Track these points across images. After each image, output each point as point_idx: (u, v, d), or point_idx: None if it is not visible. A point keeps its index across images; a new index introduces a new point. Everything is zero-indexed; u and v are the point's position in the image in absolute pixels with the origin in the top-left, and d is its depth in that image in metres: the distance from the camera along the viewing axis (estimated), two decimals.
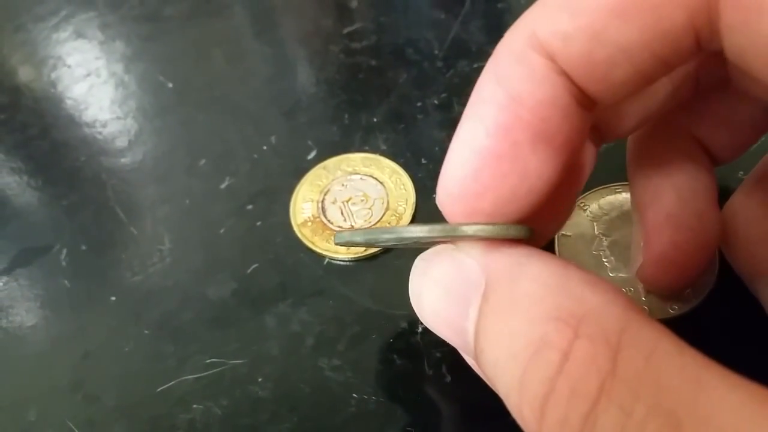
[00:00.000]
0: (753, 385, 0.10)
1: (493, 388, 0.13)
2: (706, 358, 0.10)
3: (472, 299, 0.13)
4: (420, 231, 0.13)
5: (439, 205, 0.14)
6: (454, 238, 0.14)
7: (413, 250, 0.23)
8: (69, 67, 0.35)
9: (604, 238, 0.22)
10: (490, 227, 0.13)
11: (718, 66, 0.16)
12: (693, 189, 0.18)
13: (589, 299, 0.11)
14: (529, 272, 0.12)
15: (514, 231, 0.13)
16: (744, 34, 0.11)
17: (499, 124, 0.13)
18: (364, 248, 0.23)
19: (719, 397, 0.09)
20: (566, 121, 0.13)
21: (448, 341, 0.14)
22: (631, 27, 0.12)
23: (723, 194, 0.20)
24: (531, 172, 0.13)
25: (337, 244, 0.15)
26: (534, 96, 0.13)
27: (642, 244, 0.18)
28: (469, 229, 0.13)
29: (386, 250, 0.24)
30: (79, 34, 0.37)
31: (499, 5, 0.35)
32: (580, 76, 0.13)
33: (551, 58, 0.13)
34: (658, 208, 0.18)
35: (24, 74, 0.35)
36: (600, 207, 0.23)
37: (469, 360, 0.15)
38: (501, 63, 0.13)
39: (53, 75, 0.34)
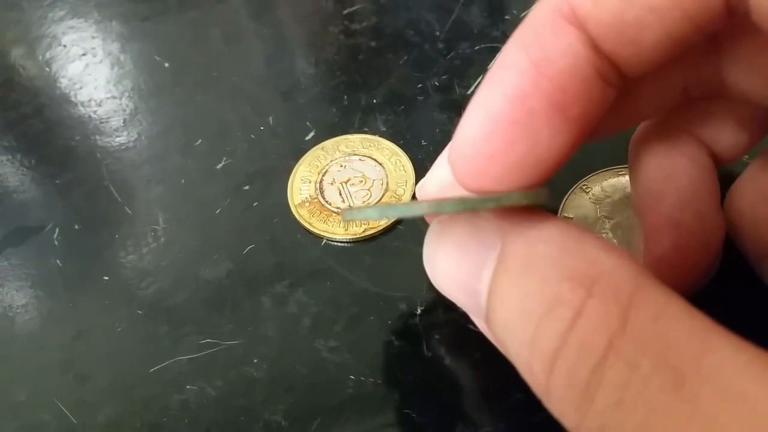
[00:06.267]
0: (758, 350, 0.10)
1: (502, 350, 0.13)
2: (713, 323, 0.10)
3: (486, 261, 0.13)
4: (428, 208, 0.13)
5: (449, 164, 0.14)
6: (461, 211, 0.14)
7: (413, 231, 0.23)
8: (64, 46, 0.35)
9: (606, 221, 0.22)
10: (517, 194, 0.13)
11: (710, 74, 0.17)
12: (694, 190, 0.18)
13: (603, 262, 0.11)
14: (545, 235, 0.12)
15: (539, 197, 0.13)
16: None
17: (517, 90, 0.13)
18: (363, 230, 0.24)
19: (724, 358, 0.10)
20: (585, 93, 0.13)
21: (458, 304, 0.15)
22: None
23: (728, 178, 0.20)
24: (542, 141, 0.13)
25: (346, 221, 0.14)
26: (556, 64, 0.13)
27: (642, 246, 0.18)
28: (469, 203, 0.13)
29: (384, 231, 0.24)
30: (74, 14, 0.37)
31: None
32: (610, 39, 0.13)
33: (581, 26, 0.13)
34: (659, 210, 0.18)
35: (18, 53, 0.35)
36: (603, 189, 0.23)
37: (479, 322, 0.16)
38: (528, 29, 0.14)
39: (48, 54, 0.34)
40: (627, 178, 0.23)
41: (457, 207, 0.13)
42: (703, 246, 0.18)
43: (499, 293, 0.13)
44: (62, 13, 0.37)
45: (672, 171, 0.18)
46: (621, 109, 0.17)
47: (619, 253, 0.12)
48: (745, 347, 0.10)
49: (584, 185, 0.23)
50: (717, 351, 0.10)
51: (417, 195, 0.18)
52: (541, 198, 0.13)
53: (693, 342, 0.10)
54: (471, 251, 0.14)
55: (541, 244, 0.12)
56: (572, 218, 0.22)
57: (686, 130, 0.19)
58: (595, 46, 0.13)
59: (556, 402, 0.11)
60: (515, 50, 0.13)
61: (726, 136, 0.19)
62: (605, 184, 0.23)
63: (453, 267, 0.14)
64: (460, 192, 0.15)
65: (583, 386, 0.11)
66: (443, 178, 0.17)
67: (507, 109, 0.13)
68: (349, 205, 0.24)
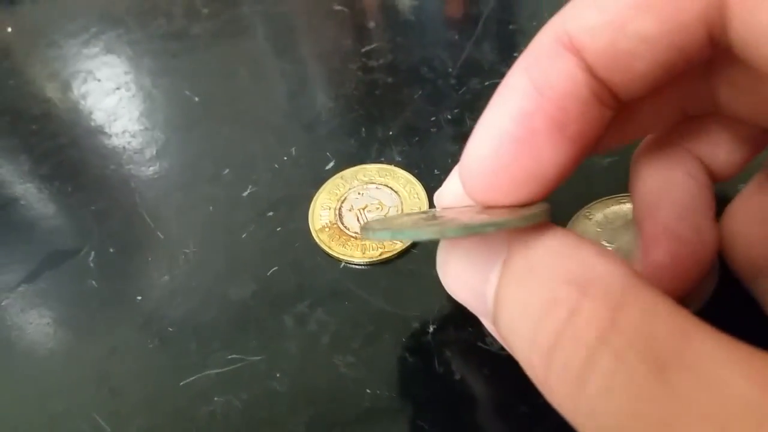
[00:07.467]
0: (736, 341, 0.10)
1: (507, 348, 0.14)
2: (697, 319, 0.11)
3: (493, 267, 0.14)
4: (434, 233, 0.14)
5: (461, 178, 0.15)
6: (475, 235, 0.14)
7: (425, 255, 0.24)
8: (99, 80, 0.36)
9: (608, 245, 0.22)
10: (515, 219, 0.13)
11: (704, 94, 0.17)
12: (691, 204, 0.18)
13: (597, 266, 0.12)
14: (545, 243, 0.13)
15: (539, 217, 0.14)
16: (746, 26, 0.12)
17: (521, 111, 0.14)
18: (379, 253, 0.24)
19: (704, 350, 0.10)
20: (583, 114, 0.14)
21: (468, 307, 0.15)
22: (652, 19, 0.13)
23: (722, 201, 0.20)
24: (545, 157, 0.14)
25: (363, 237, 0.15)
26: (556, 87, 0.14)
27: (640, 255, 0.19)
28: (491, 226, 0.13)
29: (399, 255, 0.24)
30: (108, 50, 0.38)
31: (510, 27, 0.36)
32: (605, 67, 0.14)
33: (578, 54, 0.14)
34: (656, 221, 0.18)
35: (55, 87, 0.36)
36: (605, 216, 0.23)
37: (487, 324, 0.16)
38: (530, 56, 0.14)
39: (83, 88, 0.35)
40: (628, 206, 0.23)
41: (458, 233, 0.13)
42: (697, 255, 0.18)
43: (504, 296, 0.13)
44: (96, 49, 0.38)
45: (670, 184, 0.18)
46: (623, 124, 0.17)
47: (612, 258, 0.12)
48: (724, 339, 0.10)
49: (587, 212, 0.23)
50: (697, 343, 0.10)
51: (435, 202, 0.19)
52: (538, 220, 0.13)
53: (675, 335, 0.10)
54: (480, 258, 0.14)
55: (542, 251, 0.13)
56: None
57: (684, 147, 0.19)
58: (591, 72, 0.14)
59: (555, 392, 0.12)
60: (518, 75, 0.14)
61: (721, 153, 0.19)
62: (608, 211, 0.23)
63: (463, 272, 0.15)
64: (470, 201, 0.15)
65: (577, 376, 0.11)
66: (457, 188, 0.17)
67: (512, 128, 0.14)
68: (367, 221, 0.25)
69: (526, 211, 0.14)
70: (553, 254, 0.13)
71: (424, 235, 0.14)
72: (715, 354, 0.10)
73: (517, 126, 0.14)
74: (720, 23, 0.12)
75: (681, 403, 0.10)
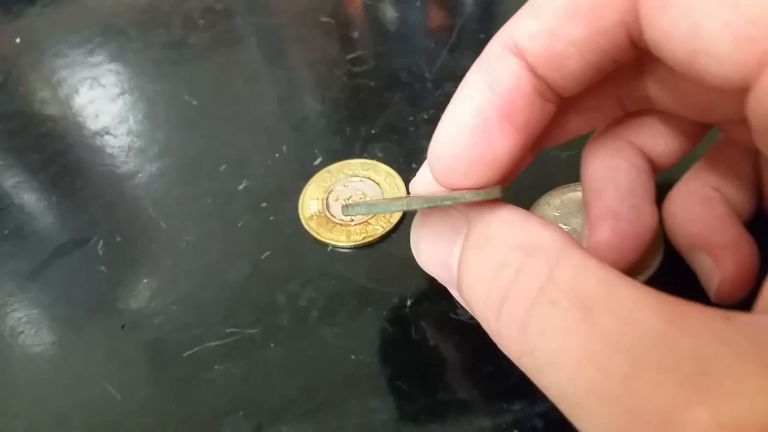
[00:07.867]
0: (654, 291, 0.12)
1: (468, 308, 0.15)
2: (620, 274, 0.12)
3: (456, 241, 0.15)
4: (402, 206, 0.16)
5: (428, 164, 0.16)
6: (437, 207, 0.16)
7: (403, 239, 0.26)
8: (104, 86, 0.37)
9: (564, 227, 0.24)
10: (469, 194, 0.15)
11: (638, 91, 0.18)
12: (631, 188, 0.20)
13: (540, 234, 0.14)
14: (499, 217, 0.15)
15: (491, 194, 0.15)
16: (653, 31, 0.13)
17: (476, 105, 0.15)
18: (363, 238, 0.26)
19: (625, 296, 0.11)
20: (528, 107, 0.16)
21: (437, 278, 0.17)
22: (579, 26, 0.14)
23: (666, 187, 0.22)
24: (496, 143, 0.15)
25: (345, 214, 0.16)
26: (504, 85, 0.15)
27: (587, 233, 0.21)
28: (446, 200, 0.15)
29: (380, 239, 0.26)
30: (112, 59, 0.39)
31: (481, 36, 0.38)
32: (544, 67, 0.15)
33: (521, 56, 0.15)
34: (600, 203, 0.20)
35: (64, 93, 0.37)
36: (562, 202, 0.25)
37: (453, 292, 0.17)
38: (483, 59, 0.16)
39: (90, 94, 0.37)
40: (581, 193, 0.25)
41: (422, 205, 0.15)
42: (636, 231, 0.19)
43: (465, 264, 0.15)
44: (101, 58, 0.40)
45: (613, 172, 0.20)
46: (570, 119, 0.19)
47: (553, 227, 0.14)
48: (642, 288, 0.12)
49: (547, 199, 0.25)
50: (619, 291, 0.12)
51: (410, 189, 0.20)
52: (490, 196, 0.15)
53: (601, 285, 0.12)
54: (445, 234, 0.16)
55: (496, 224, 0.14)
56: None
57: (626, 139, 0.20)
58: (533, 71, 0.15)
59: (504, 339, 0.13)
60: (474, 75, 0.16)
61: (660, 143, 0.20)
62: (564, 198, 0.25)
63: (432, 247, 0.16)
64: (439, 187, 0.16)
65: (521, 323, 0.13)
66: (428, 176, 0.18)
67: (468, 120, 0.15)
68: (349, 203, 0.26)
69: (481, 190, 0.15)
70: (505, 226, 0.14)
71: (393, 207, 0.16)
72: (633, 299, 0.11)
73: (473, 118, 0.15)
74: (637, 28, 0.14)
75: (601, 336, 0.11)
